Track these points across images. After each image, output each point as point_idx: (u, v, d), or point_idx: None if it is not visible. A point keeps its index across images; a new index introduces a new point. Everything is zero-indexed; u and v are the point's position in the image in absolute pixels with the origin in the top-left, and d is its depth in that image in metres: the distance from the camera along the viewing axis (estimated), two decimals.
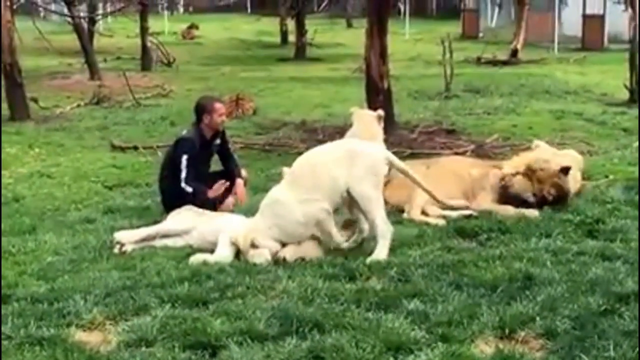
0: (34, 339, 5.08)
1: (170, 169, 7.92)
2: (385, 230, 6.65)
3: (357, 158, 6.78)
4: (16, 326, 5.26)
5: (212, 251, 6.85)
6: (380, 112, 10.33)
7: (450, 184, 8.17)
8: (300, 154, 11.22)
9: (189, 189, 7.68)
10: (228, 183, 7.96)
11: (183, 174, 7.71)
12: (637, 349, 4.76)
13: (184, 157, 7.75)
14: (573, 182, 8.10)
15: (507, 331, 5.13)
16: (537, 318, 5.25)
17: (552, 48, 28.40)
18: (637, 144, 11.66)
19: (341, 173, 6.70)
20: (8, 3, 15.03)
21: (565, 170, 7.95)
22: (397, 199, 8.13)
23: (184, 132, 8.19)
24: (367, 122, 10.16)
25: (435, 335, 5.07)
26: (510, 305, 5.46)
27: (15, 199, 9.08)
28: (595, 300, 5.49)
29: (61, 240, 7.35)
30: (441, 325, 5.18)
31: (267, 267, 6.44)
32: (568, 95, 17.45)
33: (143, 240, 7.16)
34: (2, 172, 10.72)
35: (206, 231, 7.12)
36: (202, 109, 8.03)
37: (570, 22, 30.56)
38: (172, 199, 7.77)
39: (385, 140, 10.21)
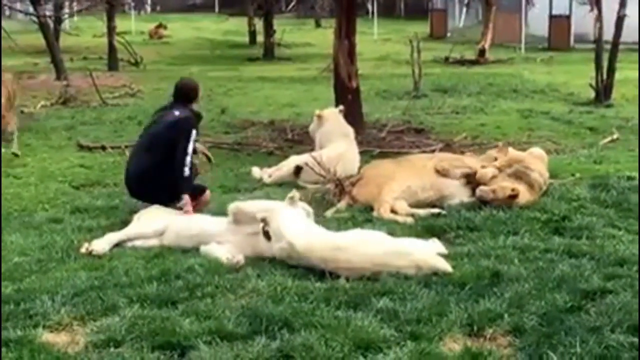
0: None
1: (165, 152, 7.61)
2: None
3: None
4: None
5: (184, 250, 6.83)
6: (341, 107, 10.57)
7: (421, 178, 8.25)
8: (269, 153, 11.38)
9: (187, 172, 7.50)
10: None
11: (190, 148, 7.52)
12: (603, 345, 4.82)
13: (194, 132, 7.57)
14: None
15: (475, 328, 5.16)
16: (505, 315, 5.29)
17: (519, 48, 28.62)
18: (602, 142, 11.80)
19: None
20: None
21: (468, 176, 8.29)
22: (366, 196, 8.16)
23: (177, 113, 7.86)
24: (337, 120, 10.27)
25: (404, 334, 5.09)
26: (479, 302, 5.49)
27: None
28: (562, 297, 5.54)
29: (28, 241, 7.28)
30: (410, 323, 5.20)
31: (236, 265, 6.41)
32: (535, 94, 17.60)
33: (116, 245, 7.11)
34: None
35: (181, 230, 7.08)
36: (195, 92, 7.95)
37: (537, 22, 30.79)
38: (171, 183, 7.58)
39: (355, 139, 10.32)
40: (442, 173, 8.27)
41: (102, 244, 6.97)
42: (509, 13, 30.75)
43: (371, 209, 8.01)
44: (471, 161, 8.62)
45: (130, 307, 5.51)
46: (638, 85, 15.52)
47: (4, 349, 4.94)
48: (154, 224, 7.26)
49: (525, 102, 16.56)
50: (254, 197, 8.47)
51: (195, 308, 5.50)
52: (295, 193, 6.80)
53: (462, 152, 9.27)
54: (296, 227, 6.45)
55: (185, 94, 7.95)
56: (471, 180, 8.26)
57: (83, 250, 6.88)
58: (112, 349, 4.96)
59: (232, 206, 7.04)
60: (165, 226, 7.19)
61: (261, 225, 6.58)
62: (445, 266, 6.12)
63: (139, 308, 5.50)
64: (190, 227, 7.11)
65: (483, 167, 8.35)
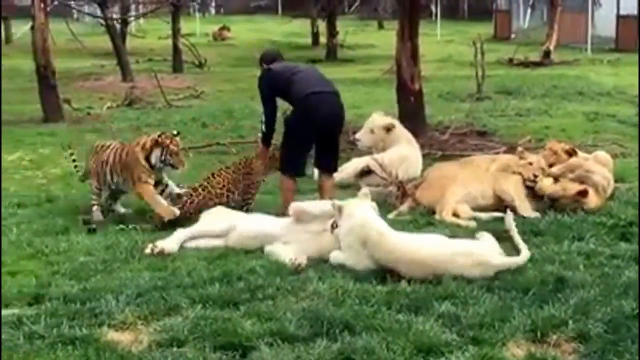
0: (66, 338, 5.13)
1: None
2: None
3: None
4: (49, 325, 5.31)
5: (246, 251, 6.87)
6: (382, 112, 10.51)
7: (482, 183, 8.17)
8: None
9: None
10: None
11: None
12: None
13: None
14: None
15: (539, 334, 5.10)
16: (570, 321, 5.21)
17: (585, 49, 28.16)
18: None
19: None
20: (42, 5, 15.18)
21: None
22: (428, 199, 8.11)
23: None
24: (400, 126, 10.11)
25: (466, 338, 5.05)
26: (543, 308, 5.42)
27: (49, 199, 9.17)
28: (629, 303, 5.43)
29: (93, 241, 7.41)
30: (472, 328, 5.16)
31: (298, 268, 6.43)
32: (601, 96, 17.29)
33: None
34: (36, 172, 10.85)
35: (244, 231, 7.13)
36: None
37: (604, 22, 30.25)
38: None
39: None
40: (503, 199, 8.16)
41: (171, 244, 7.05)
42: (574, 13, 30.30)
43: (433, 212, 7.97)
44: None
45: (192, 308, 5.57)
46: (638, 86, 15.19)
47: (70, 347, 5.04)
48: (221, 223, 7.32)
49: (591, 104, 16.27)
50: (315, 199, 8.49)
51: (257, 309, 5.53)
52: (367, 190, 6.88)
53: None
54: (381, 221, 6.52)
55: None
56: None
57: (147, 250, 6.96)
58: (175, 349, 5.02)
59: (294, 205, 7.10)
60: (230, 226, 7.23)
61: (335, 211, 6.58)
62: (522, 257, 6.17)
63: (201, 309, 5.55)
64: (254, 227, 7.15)
65: (531, 177, 8.22)
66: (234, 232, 7.16)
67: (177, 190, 8.25)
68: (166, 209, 7.84)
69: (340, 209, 6.56)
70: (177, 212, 7.82)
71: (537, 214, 7.78)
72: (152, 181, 8.03)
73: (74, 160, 9.08)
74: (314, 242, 6.74)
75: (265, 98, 8.23)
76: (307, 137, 8.12)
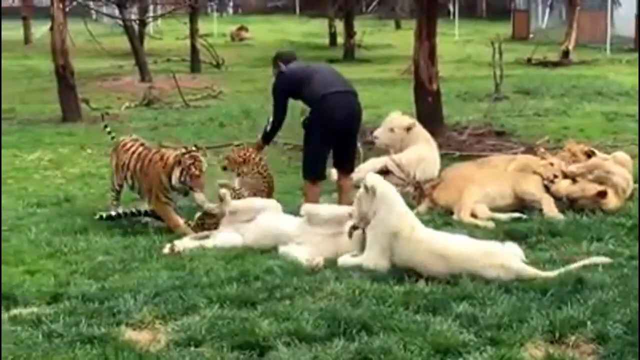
0: (84, 337, 5.14)
1: None
2: None
3: None
4: (67, 324, 5.33)
5: (263, 251, 6.88)
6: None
7: (501, 184, 8.13)
8: None
9: None
10: None
11: None
12: None
13: None
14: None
15: (557, 335, 5.07)
16: (588, 322, 5.18)
17: (605, 49, 28.00)
18: None
19: None
20: (61, 6, 15.26)
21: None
22: (446, 200, 8.09)
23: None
24: (420, 126, 10.06)
25: (484, 339, 5.03)
26: (561, 309, 5.39)
27: (67, 199, 9.22)
28: None
29: (112, 240, 7.45)
30: (490, 329, 5.14)
31: (315, 268, 6.43)
32: (620, 96, 17.19)
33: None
34: (55, 172, 10.91)
35: (261, 229, 7.16)
36: None
37: (624, 22, 30.06)
38: None
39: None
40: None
41: (226, 207, 7.30)
42: (593, 13, 30.14)
43: (451, 212, 7.95)
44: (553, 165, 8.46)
45: (210, 307, 5.58)
46: (638, 86, 15.07)
47: (88, 346, 5.06)
48: (259, 201, 7.53)
49: (610, 104, 16.19)
50: (332, 199, 8.49)
51: (274, 309, 5.54)
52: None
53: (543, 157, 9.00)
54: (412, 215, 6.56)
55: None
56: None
57: (165, 250, 6.99)
58: (192, 348, 5.03)
59: (305, 206, 7.14)
60: (266, 206, 7.37)
61: (366, 191, 6.51)
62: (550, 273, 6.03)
63: (218, 308, 5.56)
64: (270, 226, 7.16)
65: (551, 177, 8.16)
66: (252, 230, 7.18)
67: (206, 204, 7.81)
68: (182, 228, 7.69)
69: (372, 188, 6.47)
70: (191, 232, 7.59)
71: (561, 215, 7.73)
72: (169, 200, 7.85)
73: (109, 132, 9.08)
74: (329, 244, 6.74)
75: (278, 101, 8.27)
76: (326, 138, 8.10)
